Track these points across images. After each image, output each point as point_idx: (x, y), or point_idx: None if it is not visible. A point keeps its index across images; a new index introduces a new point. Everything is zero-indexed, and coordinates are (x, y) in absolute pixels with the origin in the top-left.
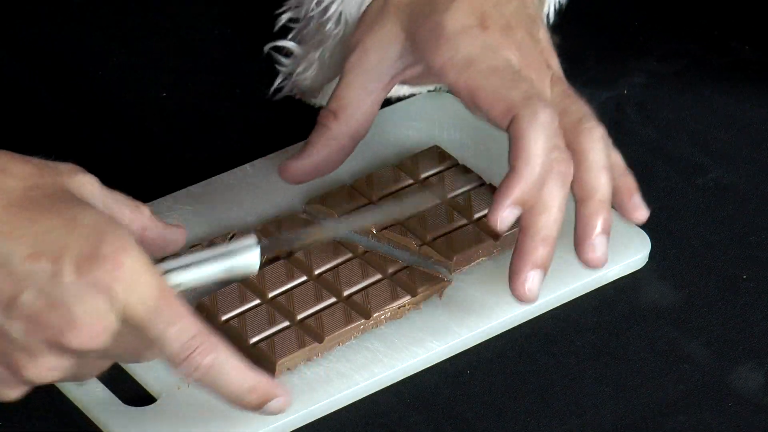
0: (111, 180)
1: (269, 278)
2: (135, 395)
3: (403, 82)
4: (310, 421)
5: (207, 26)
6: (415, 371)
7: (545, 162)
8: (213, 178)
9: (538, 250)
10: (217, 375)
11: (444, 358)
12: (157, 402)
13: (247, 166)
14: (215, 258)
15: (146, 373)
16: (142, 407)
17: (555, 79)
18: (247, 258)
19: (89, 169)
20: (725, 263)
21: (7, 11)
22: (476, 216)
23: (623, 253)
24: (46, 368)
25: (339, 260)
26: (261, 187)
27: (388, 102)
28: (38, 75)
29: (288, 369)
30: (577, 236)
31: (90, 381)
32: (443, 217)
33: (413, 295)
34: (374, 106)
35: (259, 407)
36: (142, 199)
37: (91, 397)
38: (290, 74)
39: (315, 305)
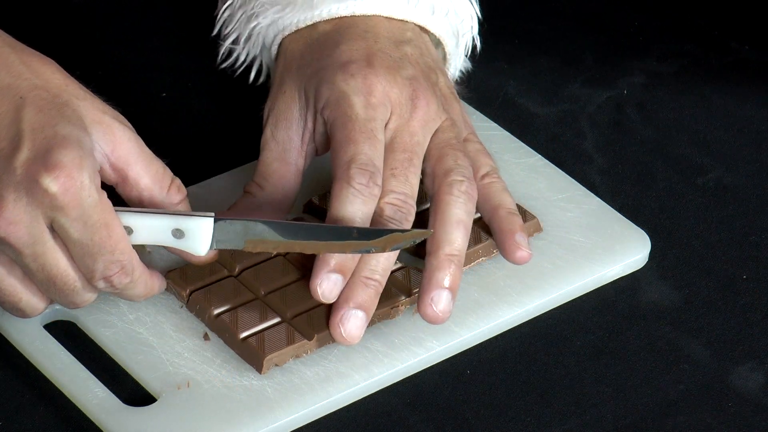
0: None
1: (264, 275)
2: (135, 395)
3: (318, 144)
4: (310, 421)
5: (207, 26)
6: (415, 371)
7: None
8: (213, 178)
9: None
10: (125, 291)
11: (444, 358)
12: (157, 402)
13: (247, 166)
14: (169, 215)
15: (146, 373)
16: (142, 407)
17: (444, 126)
18: (199, 223)
19: None
20: (725, 263)
21: (7, 11)
22: (475, 216)
23: (623, 253)
24: None
25: None
26: None
27: None
28: None
29: (276, 365)
30: (420, 288)
31: (89, 380)
32: None
33: (408, 295)
34: (297, 176)
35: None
36: None
37: (91, 397)
38: None
39: (308, 303)
